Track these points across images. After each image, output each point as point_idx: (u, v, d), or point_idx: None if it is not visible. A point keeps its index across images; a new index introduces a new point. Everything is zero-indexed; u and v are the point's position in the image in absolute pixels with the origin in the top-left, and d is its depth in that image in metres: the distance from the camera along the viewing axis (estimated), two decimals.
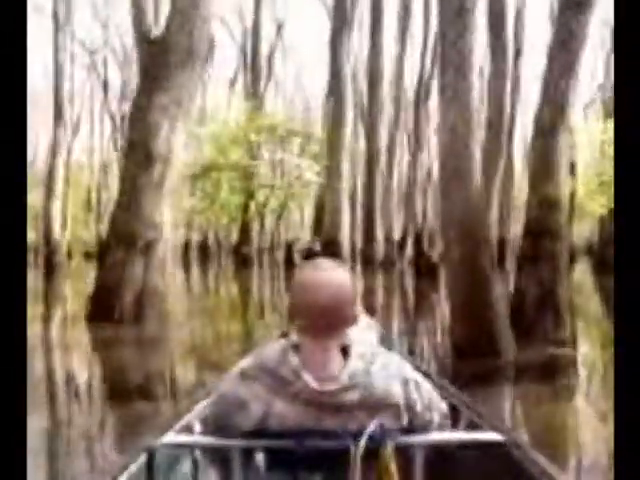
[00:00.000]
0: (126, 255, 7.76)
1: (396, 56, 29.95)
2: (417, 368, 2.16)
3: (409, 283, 19.04)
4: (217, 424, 1.57)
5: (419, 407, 1.57)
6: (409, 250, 25.30)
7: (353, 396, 1.47)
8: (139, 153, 7.89)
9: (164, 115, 7.80)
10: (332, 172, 22.62)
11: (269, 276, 23.34)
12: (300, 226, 42.34)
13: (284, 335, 1.89)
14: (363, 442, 1.42)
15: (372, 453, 1.44)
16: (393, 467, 1.46)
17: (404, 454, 1.54)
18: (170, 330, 8.77)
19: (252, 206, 27.75)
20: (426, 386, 1.63)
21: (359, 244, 26.37)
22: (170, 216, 8.33)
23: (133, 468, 1.67)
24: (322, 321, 1.50)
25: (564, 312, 7.01)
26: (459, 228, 6.11)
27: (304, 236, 35.50)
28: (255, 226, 30.22)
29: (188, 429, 1.92)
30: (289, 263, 26.27)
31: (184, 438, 1.76)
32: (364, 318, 2.87)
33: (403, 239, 26.21)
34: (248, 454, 1.54)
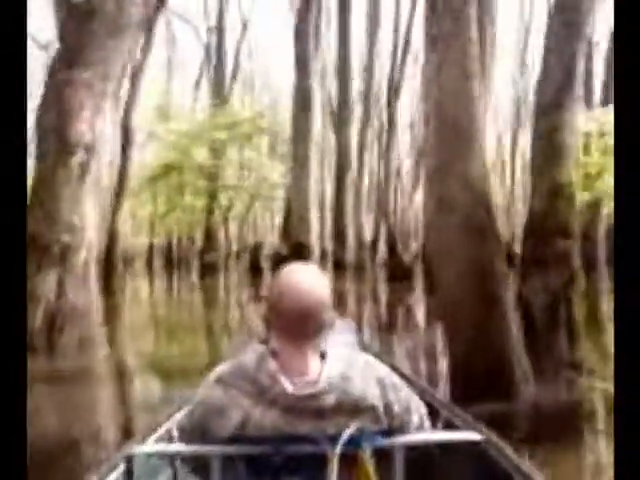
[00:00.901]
0: (34, 264, 6.00)
1: (366, 52, 28.98)
2: (394, 369, 2.15)
3: (383, 289, 17.91)
4: (195, 431, 1.56)
5: (397, 409, 1.57)
6: (382, 253, 24.21)
7: (331, 400, 1.47)
8: (55, 140, 6.37)
9: (87, 94, 6.37)
10: (300, 172, 21.37)
11: (236, 284, 22.02)
12: (270, 230, 40.94)
13: (264, 341, 1.68)
14: (340, 446, 1.42)
15: (351, 456, 1.46)
16: (372, 470, 1.48)
17: (383, 456, 1.54)
18: (97, 361, 6.76)
19: (216, 209, 26.37)
20: (404, 388, 1.63)
21: (329, 247, 25.24)
22: (94, 218, 6.60)
23: (111, 477, 1.71)
24: (299, 326, 1.50)
25: (579, 327, 5.62)
26: (461, 220, 4.40)
27: (272, 240, 34.06)
28: (220, 230, 28.84)
29: (167, 437, 1.95)
30: (256, 270, 24.86)
31: (163, 446, 1.80)
32: (342, 322, 2.88)
33: (374, 241, 25.11)
34: (227, 461, 1.51)
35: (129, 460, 1.58)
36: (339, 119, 25.77)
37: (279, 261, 18.88)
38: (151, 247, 37.61)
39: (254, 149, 25.17)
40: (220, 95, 28.10)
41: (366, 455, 1.48)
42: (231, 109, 26.33)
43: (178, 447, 1.64)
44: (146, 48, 19.58)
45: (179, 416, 2.00)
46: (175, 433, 1.82)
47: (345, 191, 24.03)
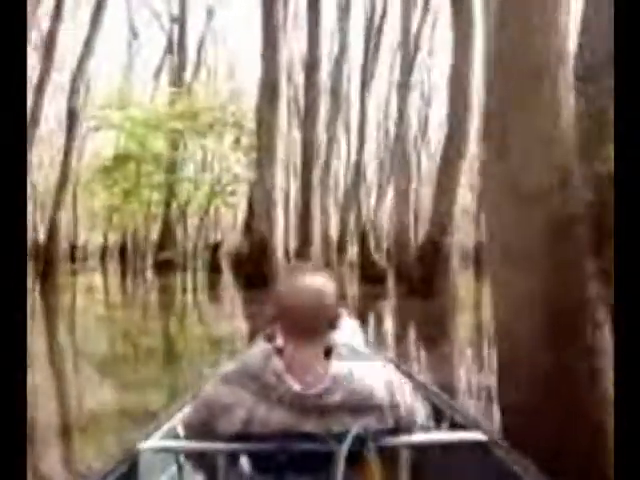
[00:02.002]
0: None
1: (336, 45, 27.91)
2: (400, 369, 2.27)
3: (352, 291, 16.76)
4: (201, 429, 1.57)
5: (402, 408, 1.57)
6: (353, 253, 23.06)
7: (336, 399, 1.47)
8: None
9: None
10: (264, 166, 20.06)
11: (194, 286, 20.59)
12: (231, 227, 39.28)
13: (269, 338, 1.66)
14: (347, 444, 1.42)
15: (356, 455, 1.45)
16: (377, 468, 1.48)
17: (388, 455, 1.55)
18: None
19: (174, 203, 24.81)
20: (409, 387, 1.64)
21: (294, 246, 24.03)
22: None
23: (117, 473, 1.67)
24: (305, 325, 1.51)
25: None
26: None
27: (233, 237, 32.45)
28: (178, 226, 27.24)
29: (173, 434, 1.92)
30: (215, 269, 23.40)
31: (168, 443, 1.78)
32: (348, 321, 2.80)
33: (341, 240, 23.91)
34: (232, 458, 1.53)
35: (135, 456, 1.63)
36: (306, 113, 24.59)
37: (240, 260, 17.61)
38: (104, 242, 35.74)
39: (216, 140, 23.72)
40: (181, 84, 26.62)
41: (371, 454, 1.47)
42: (192, 98, 24.85)
43: (183, 444, 1.64)
44: (93, 31, 18.10)
45: (185, 413, 1.92)
46: (180, 430, 1.75)
47: (311, 187, 22.80)
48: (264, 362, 1.50)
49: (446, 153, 12.98)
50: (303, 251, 22.02)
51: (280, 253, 18.54)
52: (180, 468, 1.77)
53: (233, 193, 26.55)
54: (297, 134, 27.63)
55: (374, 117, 32.33)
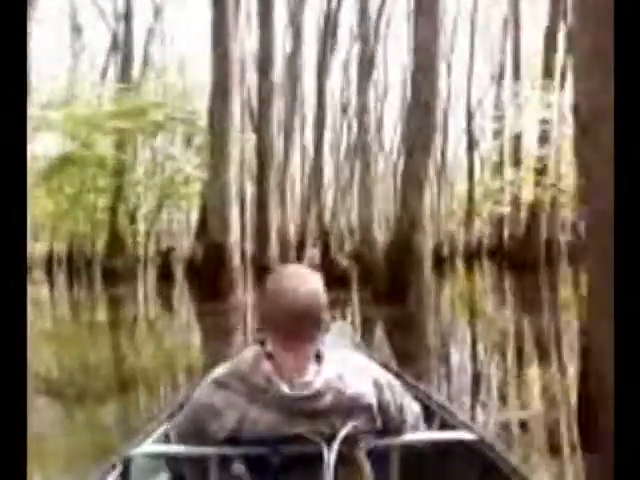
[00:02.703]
0: None
1: (290, 42, 26.96)
2: (390, 370, 2.21)
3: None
4: (192, 433, 1.56)
5: (392, 409, 1.59)
6: (316, 256, 22.02)
7: (327, 401, 1.47)
8: None
9: None
10: (218, 166, 18.89)
11: (146, 295, 19.26)
12: (185, 231, 37.68)
13: (261, 343, 1.60)
14: (336, 446, 1.43)
15: (346, 456, 1.46)
16: (367, 469, 1.48)
17: (379, 456, 1.55)
18: None
19: (122, 208, 23.35)
20: (399, 388, 1.65)
21: (250, 249, 22.92)
22: None
23: (109, 479, 1.69)
24: (295, 327, 1.50)
25: None
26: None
27: (185, 244, 30.96)
28: (127, 232, 25.71)
29: (165, 439, 1.91)
30: (168, 276, 22.02)
31: (160, 448, 1.78)
32: (338, 323, 2.95)
33: (301, 242, 22.89)
34: (224, 462, 1.51)
35: (126, 461, 1.59)
36: (260, 112, 23.54)
37: (194, 266, 16.47)
38: (49, 251, 33.80)
39: (166, 140, 22.41)
40: (128, 82, 25.20)
41: (361, 455, 1.48)
42: (139, 96, 23.47)
43: (175, 448, 1.62)
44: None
45: (176, 418, 1.78)
46: (172, 435, 1.71)
47: (268, 188, 21.75)
48: (254, 365, 1.50)
49: (412, 148, 12.16)
50: (261, 255, 20.99)
51: (237, 257, 17.43)
52: (173, 474, 1.73)
53: (186, 195, 25.25)
54: (252, 133, 26.62)
55: (332, 114, 31.52)
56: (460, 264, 30.45)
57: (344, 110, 32.34)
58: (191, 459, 1.61)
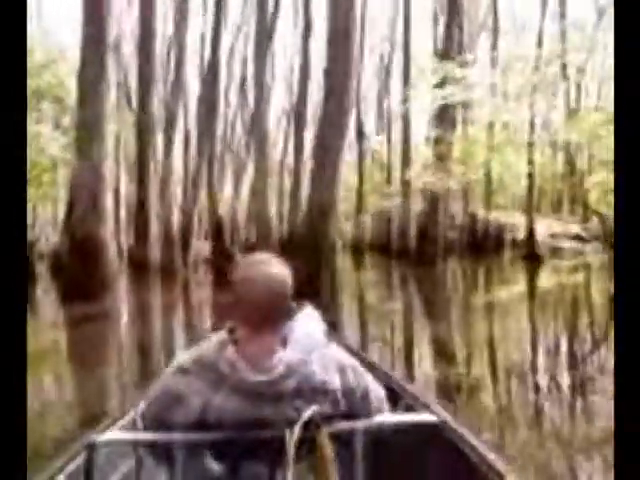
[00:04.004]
0: None
1: (172, 18, 24.72)
2: (355, 354, 2.29)
3: (201, 294, 14.04)
4: (156, 419, 1.56)
5: (356, 393, 1.61)
6: (198, 251, 20.05)
7: (290, 385, 1.49)
8: None
9: None
10: (89, 148, 16.47)
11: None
12: (51, 222, 33.75)
13: (231, 331, 1.61)
14: (297, 429, 1.44)
15: (309, 440, 1.47)
16: (329, 453, 1.48)
17: (343, 439, 1.56)
18: None
19: None
20: (363, 372, 1.67)
21: (127, 243, 20.62)
22: None
23: (72, 466, 1.68)
24: (260, 314, 1.53)
25: None
26: None
27: (53, 238, 27.47)
28: None
29: (130, 425, 1.89)
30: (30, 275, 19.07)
31: (125, 434, 1.78)
32: (307, 308, 2.43)
33: (186, 235, 20.80)
34: (190, 448, 1.52)
35: (91, 448, 1.57)
36: (140, 91, 21.21)
37: (59, 262, 14.17)
38: None
39: (31, 118, 19.44)
40: None
41: (324, 439, 1.48)
42: None
43: (140, 435, 1.61)
44: None
45: (141, 404, 1.75)
46: (138, 421, 1.68)
47: (148, 175, 19.54)
48: (219, 351, 1.51)
49: (322, 134, 10.90)
50: (139, 249, 18.72)
51: (111, 252, 15.18)
52: (138, 460, 1.67)
53: (52, 181, 22.25)
54: (129, 114, 24.16)
55: (224, 94, 29.52)
56: (348, 258, 29.82)
57: (242, 86, 30.54)
58: (156, 445, 1.58)
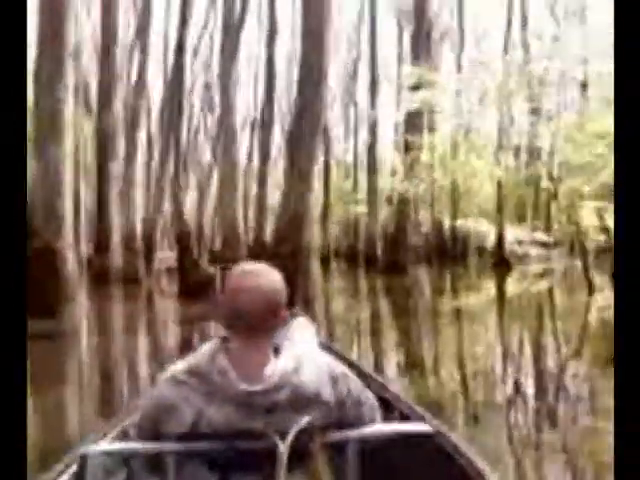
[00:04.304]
0: None
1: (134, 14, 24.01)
2: (349, 364, 2.20)
3: (167, 306, 13.38)
4: (149, 430, 1.56)
5: (348, 403, 1.60)
6: (164, 260, 19.33)
7: (283, 396, 1.48)
8: None
9: None
10: (46, 152, 15.68)
11: None
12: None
13: (224, 339, 1.60)
14: (289, 440, 1.43)
15: (301, 451, 1.46)
16: (322, 463, 1.48)
17: (336, 450, 1.55)
18: None
19: None
20: (356, 382, 1.66)
21: (87, 252, 19.79)
22: None
23: (64, 478, 1.65)
24: (252, 323, 1.52)
25: None
26: None
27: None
28: None
29: (122, 436, 1.90)
30: None
31: (118, 445, 1.74)
32: (299, 318, 2.95)
33: (150, 243, 20.04)
34: (182, 459, 1.51)
35: (83, 459, 1.57)
36: (101, 98, 20.45)
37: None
38: None
39: None
40: None
41: (317, 449, 1.48)
42: None
43: (133, 446, 1.61)
44: None
45: (134, 415, 1.83)
46: (130, 432, 1.74)
47: (109, 181, 18.79)
48: (211, 361, 1.50)
49: (296, 139, 10.50)
50: (101, 260, 17.91)
51: (71, 264, 14.41)
52: (131, 471, 1.70)
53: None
54: (88, 121, 23.32)
55: (187, 97, 28.85)
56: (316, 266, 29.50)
57: (207, 90, 29.91)
58: (149, 456, 1.58)
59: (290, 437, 1.43)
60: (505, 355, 7.54)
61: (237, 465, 1.47)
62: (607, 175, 14.74)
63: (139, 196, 23.85)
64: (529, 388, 5.62)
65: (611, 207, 15.07)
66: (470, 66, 26.59)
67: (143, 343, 8.94)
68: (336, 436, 1.56)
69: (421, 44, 23.10)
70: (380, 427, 1.71)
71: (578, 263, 24.79)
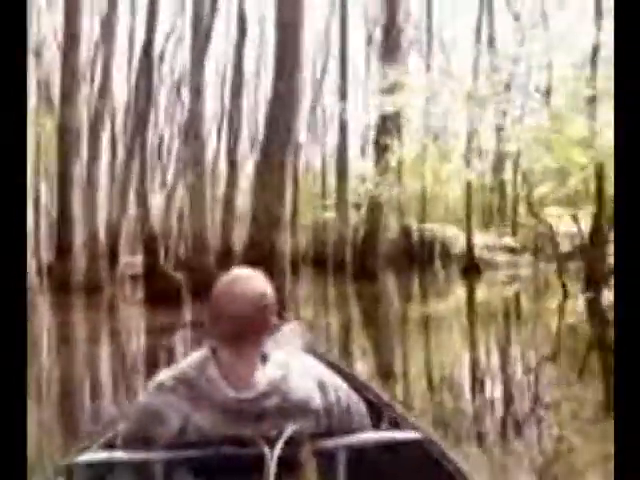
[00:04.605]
0: None
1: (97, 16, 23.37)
2: (339, 370, 2.25)
3: (132, 315, 12.89)
4: (137, 438, 1.54)
5: (337, 410, 1.59)
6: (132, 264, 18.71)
7: (271, 403, 1.47)
8: None
9: None
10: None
11: None
12: None
13: (214, 348, 1.58)
14: (278, 447, 1.42)
15: (289, 459, 1.45)
16: (311, 472, 1.48)
17: (325, 458, 1.55)
18: None
19: None
20: (345, 389, 1.66)
21: (47, 260, 19.07)
22: None
23: None
24: (239, 330, 1.51)
25: None
26: None
27: None
28: None
29: (111, 445, 1.85)
30: None
31: (103, 455, 1.69)
32: (290, 324, 2.90)
33: (114, 248, 19.41)
34: (169, 467, 1.49)
35: (69, 470, 1.57)
36: (62, 95, 19.77)
37: None
38: None
39: None
40: None
41: (305, 457, 1.47)
42: None
43: (119, 455, 1.57)
44: None
45: (121, 423, 1.81)
46: (117, 441, 1.66)
47: (72, 184, 18.06)
48: (199, 368, 1.49)
49: (269, 143, 10.21)
50: (62, 267, 17.19)
51: (31, 272, 13.79)
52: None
53: None
54: (50, 120, 22.57)
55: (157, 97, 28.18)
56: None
57: (177, 91, 29.32)
58: (136, 465, 1.56)
59: (279, 445, 1.42)
60: (474, 362, 7.47)
61: (225, 473, 1.46)
62: (576, 180, 14.85)
63: (103, 199, 23.18)
64: (497, 394, 5.61)
65: (581, 212, 15.21)
66: (439, 71, 26.69)
67: (106, 353, 8.55)
68: (325, 444, 1.55)
69: (389, 50, 23.04)
70: (369, 434, 1.70)
71: (547, 268, 25.11)
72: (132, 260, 19.65)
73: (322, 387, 1.57)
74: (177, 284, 12.63)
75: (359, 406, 1.70)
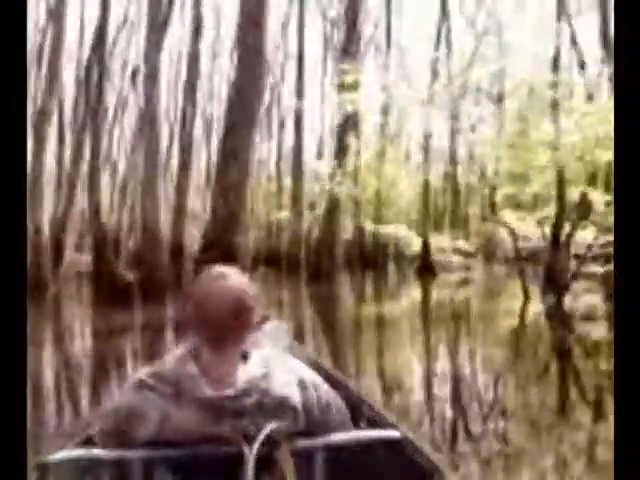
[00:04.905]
0: None
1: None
2: (319, 369, 2.35)
3: (76, 314, 12.24)
4: (115, 435, 1.53)
5: (317, 409, 1.59)
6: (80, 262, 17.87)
7: (251, 401, 1.47)
8: None
9: None
10: None
11: None
12: None
13: (195, 347, 1.57)
14: (256, 446, 1.42)
15: (268, 457, 1.45)
16: (289, 470, 1.46)
17: (303, 456, 1.54)
18: None
19: None
20: (324, 388, 1.66)
21: None
22: None
23: None
24: (219, 329, 1.51)
25: None
26: None
27: None
28: None
29: (87, 443, 1.83)
30: None
31: (79, 452, 1.64)
32: (272, 322, 2.86)
33: (58, 246, 18.54)
34: (147, 465, 1.48)
35: (43, 469, 1.52)
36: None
37: None
38: None
39: None
40: None
41: (284, 456, 1.46)
42: None
43: (95, 452, 1.56)
44: None
45: (99, 421, 1.71)
46: (95, 438, 1.66)
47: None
48: (178, 366, 1.48)
49: (230, 140, 9.85)
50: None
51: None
52: (95, 478, 1.61)
53: None
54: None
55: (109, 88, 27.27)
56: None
57: (132, 81, 28.42)
58: (113, 463, 1.54)
59: (257, 443, 1.42)
60: (427, 363, 7.45)
61: (204, 471, 1.45)
62: (537, 185, 15.03)
63: (49, 195, 22.18)
64: (447, 397, 5.60)
65: (542, 214, 15.42)
66: (396, 73, 26.77)
67: (49, 354, 8.04)
68: (304, 442, 1.54)
69: (347, 51, 22.92)
70: (348, 433, 1.70)
71: (500, 271, 25.44)
72: (79, 258, 18.86)
73: (302, 385, 1.57)
74: (128, 283, 12.06)
75: (339, 405, 1.69)
